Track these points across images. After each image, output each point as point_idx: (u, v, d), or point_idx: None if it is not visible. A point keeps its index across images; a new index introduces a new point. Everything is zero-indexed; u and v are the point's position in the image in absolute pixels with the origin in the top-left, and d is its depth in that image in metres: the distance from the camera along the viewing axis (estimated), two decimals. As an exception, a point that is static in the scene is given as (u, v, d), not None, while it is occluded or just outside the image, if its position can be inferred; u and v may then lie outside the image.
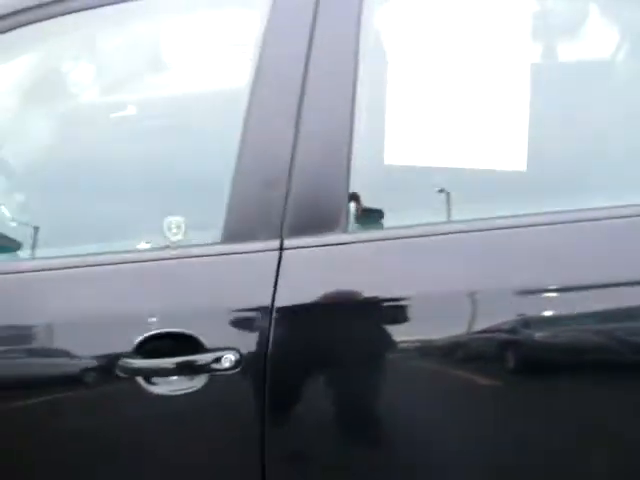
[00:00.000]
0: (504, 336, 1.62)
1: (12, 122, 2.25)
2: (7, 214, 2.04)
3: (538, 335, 1.64)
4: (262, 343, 1.57)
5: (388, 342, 1.62)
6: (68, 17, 1.78)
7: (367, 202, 1.63)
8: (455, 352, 1.65)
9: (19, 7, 1.75)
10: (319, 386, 1.67)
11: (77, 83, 2.38)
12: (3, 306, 1.66)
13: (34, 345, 1.71)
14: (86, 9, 1.77)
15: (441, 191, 1.65)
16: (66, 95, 2.35)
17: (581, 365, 1.65)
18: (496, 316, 1.61)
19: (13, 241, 1.85)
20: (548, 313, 1.65)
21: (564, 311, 1.64)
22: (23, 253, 1.82)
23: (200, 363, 1.58)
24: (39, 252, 1.81)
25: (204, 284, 1.62)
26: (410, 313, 1.61)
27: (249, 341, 1.57)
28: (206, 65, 2.21)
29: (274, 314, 1.56)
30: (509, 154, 1.62)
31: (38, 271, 1.71)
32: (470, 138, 1.64)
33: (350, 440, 1.69)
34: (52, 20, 1.78)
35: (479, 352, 1.64)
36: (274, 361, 1.58)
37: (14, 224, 2.00)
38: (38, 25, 1.77)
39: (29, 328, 1.68)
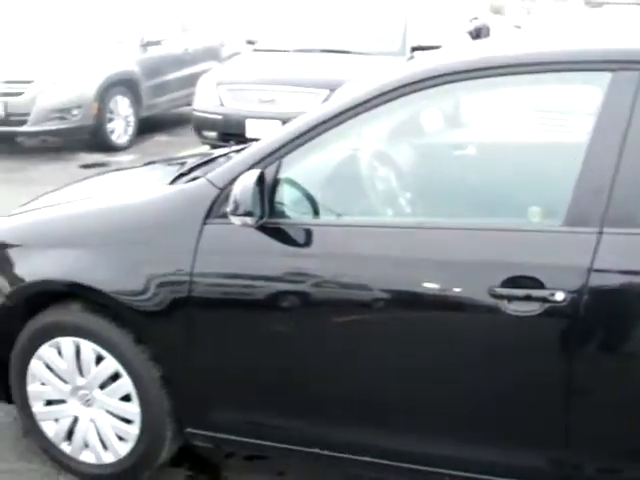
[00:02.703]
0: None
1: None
2: (403, 204, 3.17)
3: None
4: (581, 289, 2.49)
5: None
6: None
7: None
8: None
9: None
10: (619, 337, 2.56)
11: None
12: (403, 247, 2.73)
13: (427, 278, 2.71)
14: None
15: None
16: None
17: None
18: None
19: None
20: None
21: None
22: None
23: (541, 295, 2.53)
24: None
25: (545, 247, 2.58)
26: None
27: (573, 285, 2.51)
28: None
29: (592, 272, 2.50)
30: None
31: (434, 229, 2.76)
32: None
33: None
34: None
35: None
36: (587, 304, 2.50)
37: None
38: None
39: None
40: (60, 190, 3.95)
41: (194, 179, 3.18)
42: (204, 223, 2.90)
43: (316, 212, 2.90)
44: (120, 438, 3.25)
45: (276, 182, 2.83)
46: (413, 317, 2.75)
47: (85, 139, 9.93)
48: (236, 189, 2.74)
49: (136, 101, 10.19)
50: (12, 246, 3.39)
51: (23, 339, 3.28)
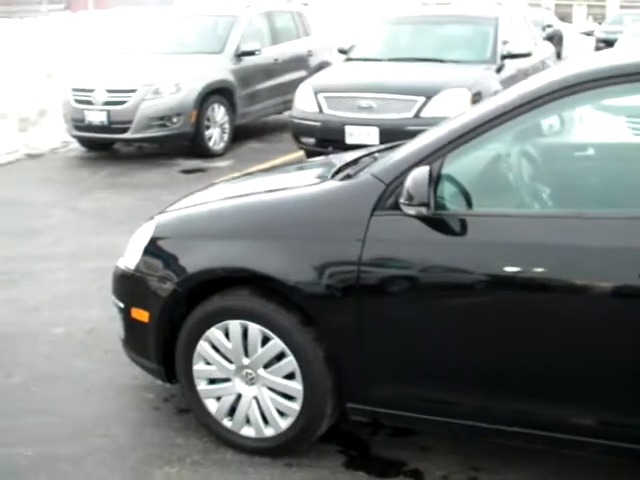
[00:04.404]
0: None
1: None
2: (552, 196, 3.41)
3: None
4: None
5: None
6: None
7: None
8: None
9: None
10: None
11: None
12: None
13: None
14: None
15: None
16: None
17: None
18: None
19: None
20: None
21: None
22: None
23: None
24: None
25: None
26: None
27: None
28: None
29: None
30: None
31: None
32: None
33: None
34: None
35: None
36: None
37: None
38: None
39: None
40: (203, 191, 4.28)
41: (347, 176, 3.47)
42: (371, 215, 3.18)
43: (469, 204, 3.16)
44: (281, 413, 3.54)
45: (439, 177, 3.10)
46: (570, 300, 2.98)
47: (181, 145, 10.33)
48: (408, 183, 3.03)
49: (231, 109, 10.56)
50: (177, 238, 3.72)
51: (192, 322, 3.59)
